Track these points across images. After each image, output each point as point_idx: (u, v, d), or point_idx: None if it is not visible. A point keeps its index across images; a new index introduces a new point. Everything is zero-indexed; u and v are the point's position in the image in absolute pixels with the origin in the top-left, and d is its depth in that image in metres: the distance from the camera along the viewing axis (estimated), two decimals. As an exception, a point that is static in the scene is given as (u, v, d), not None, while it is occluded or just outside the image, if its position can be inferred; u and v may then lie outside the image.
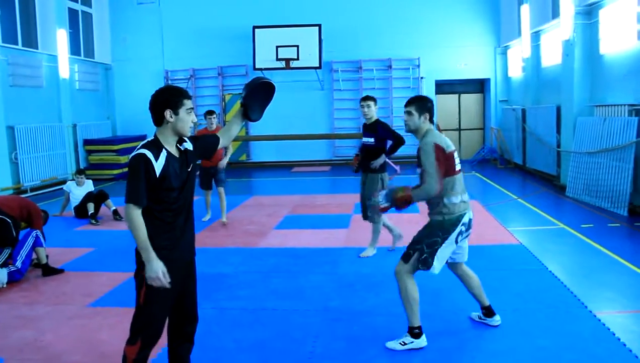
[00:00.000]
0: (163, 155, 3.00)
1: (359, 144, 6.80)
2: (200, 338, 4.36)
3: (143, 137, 16.85)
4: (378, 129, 6.40)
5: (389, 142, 6.42)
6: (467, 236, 4.21)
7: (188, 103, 3.06)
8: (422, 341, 4.10)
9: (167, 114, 3.00)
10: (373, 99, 6.53)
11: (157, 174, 2.95)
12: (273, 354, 4.09)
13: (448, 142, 4.06)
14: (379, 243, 6.74)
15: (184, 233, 3.17)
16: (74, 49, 15.41)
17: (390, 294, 5.00)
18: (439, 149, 3.96)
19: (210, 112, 8.50)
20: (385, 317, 4.71)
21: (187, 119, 3.05)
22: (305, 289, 5.57)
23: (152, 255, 2.92)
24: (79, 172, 9.85)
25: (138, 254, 3.03)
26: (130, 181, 2.93)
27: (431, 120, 4.15)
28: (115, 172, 15.08)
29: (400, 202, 4.09)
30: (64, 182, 13.95)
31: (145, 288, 3.01)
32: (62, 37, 14.34)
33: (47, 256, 6.35)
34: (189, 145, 3.18)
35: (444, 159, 3.97)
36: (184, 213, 3.15)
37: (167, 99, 3.01)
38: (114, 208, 9.40)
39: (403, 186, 4.12)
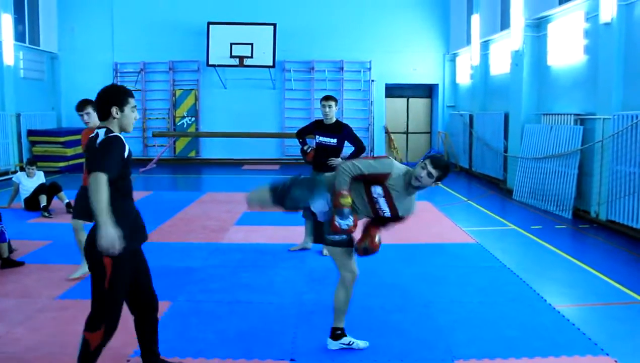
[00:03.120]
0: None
1: (310, 142, 6.83)
2: (180, 330, 4.42)
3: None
4: (343, 131, 6.41)
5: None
6: None
7: (132, 101, 3.33)
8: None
9: (114, 110, 3.22)
10: (335, 99, 6.47)
11: (125, 156, 3.18)
12: (256, 345, 4.16)
13: None
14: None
15: (138, 216, 3.39)
16: (19, 36, 14.78)
17: (361, 288, 5.14)
18: None
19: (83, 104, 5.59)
20: (360, 310, 4.85)
21: (131, 116, 3.31)
22: (276, 283, 5.66)
23: (108, 219, 2.93)
24: (30, 163, 9.51)
25: (93, 245, 3.05)
26: (104, 153, 3.07)
27: None
28: (61, 164, 14.55)
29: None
30: (6, 173, 13.43)
31: (111, 274, 3.12)
32: (7, 22, 13.73)
33: (11, 251, 6.21)
34: None
35: None
36: (131, 196, 3.36)
37: (113, 97, 3.25)
38: (67, 201, 9.13)
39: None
